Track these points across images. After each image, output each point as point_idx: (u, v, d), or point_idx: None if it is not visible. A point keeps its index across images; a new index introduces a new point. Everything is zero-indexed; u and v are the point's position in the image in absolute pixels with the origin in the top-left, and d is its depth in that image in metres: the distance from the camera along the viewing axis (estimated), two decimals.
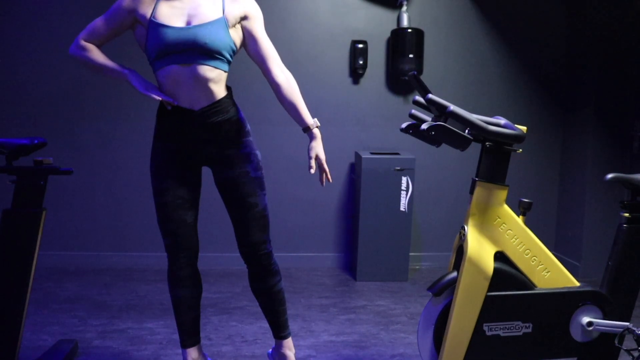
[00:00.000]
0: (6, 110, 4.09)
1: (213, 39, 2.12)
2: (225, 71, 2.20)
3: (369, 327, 3.22)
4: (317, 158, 2.27)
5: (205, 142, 2.23)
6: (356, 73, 4.29)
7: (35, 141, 2.39)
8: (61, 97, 4.11)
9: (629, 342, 2.37)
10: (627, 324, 2.24)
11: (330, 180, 2.28)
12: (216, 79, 2.17)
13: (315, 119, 2.29)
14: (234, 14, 2.19)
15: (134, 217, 4.21)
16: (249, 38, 2.25)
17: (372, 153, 4.10)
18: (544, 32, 4.41)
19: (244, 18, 2.23)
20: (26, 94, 4.09)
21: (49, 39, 4.06)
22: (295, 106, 2.27)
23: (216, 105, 2.19)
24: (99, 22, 2.22)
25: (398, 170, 3.97)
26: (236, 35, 2.21)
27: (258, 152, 2.35)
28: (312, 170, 2.24)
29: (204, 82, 2.14)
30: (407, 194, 3.99)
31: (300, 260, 4.36)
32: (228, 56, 2.19)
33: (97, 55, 2.22)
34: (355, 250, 4.10)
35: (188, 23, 2.13)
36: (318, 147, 2.27)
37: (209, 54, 2.12)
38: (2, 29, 4.04)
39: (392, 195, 3.98)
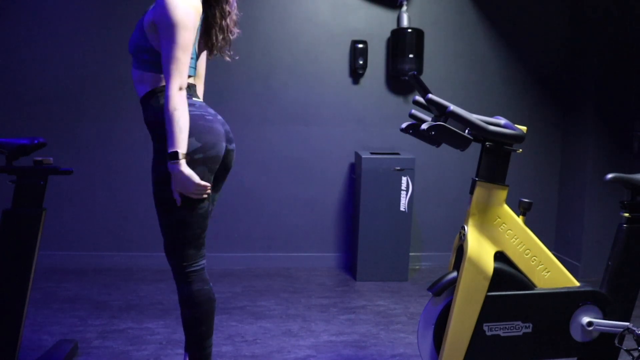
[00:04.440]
0: (6, 110, 4.09)
1: None
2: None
3: (369, 327, 3.22)
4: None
5: None
6: (356, 73, 4.29)
7: (35, 141, 2.39)
8: (61, 97, 4.11)
9: (629, 342, 2.37)
10: (627, 324, 2.24)
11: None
12: None
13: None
14: None
15: (134, 217, 4.20)
16: None
17: (372, 153, 4.09)
18: (544, 32, 4.42)
19: None
20: (26, 94, 4.09)
21: (49, 39, 4.06)
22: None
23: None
24: (180, 55, 1.90)
25: (398, 170, 3.97)
26: None
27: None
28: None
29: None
30: (407, 194, 3.99)
31: (300, 260, 4.36)
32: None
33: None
34: (355, 250, 4.10)
35: None
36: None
37: None
38: (2, 29, 4.04)
39: (392, 195, 3.97)
